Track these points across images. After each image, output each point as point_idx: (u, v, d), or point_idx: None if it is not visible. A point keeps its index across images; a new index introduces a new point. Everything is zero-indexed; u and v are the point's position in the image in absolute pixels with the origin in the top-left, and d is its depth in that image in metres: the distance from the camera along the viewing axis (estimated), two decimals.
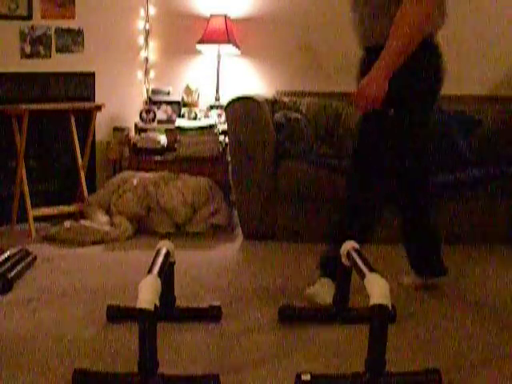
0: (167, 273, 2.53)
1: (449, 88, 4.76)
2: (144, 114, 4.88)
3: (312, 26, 5.00)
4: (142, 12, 5.00)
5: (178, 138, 4.61)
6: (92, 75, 4.79)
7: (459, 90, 4.73)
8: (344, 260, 2.59)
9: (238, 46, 4.94)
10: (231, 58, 5.06)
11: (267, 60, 5.08)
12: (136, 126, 4.91)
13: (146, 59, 5.06)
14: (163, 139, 4.74)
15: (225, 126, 4.49)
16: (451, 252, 3.91)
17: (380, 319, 2.15)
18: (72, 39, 4.68)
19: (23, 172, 4.29)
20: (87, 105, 4.66)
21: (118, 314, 2.78)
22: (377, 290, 2.18)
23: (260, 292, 3.18)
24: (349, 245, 2.58)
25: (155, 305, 2.13)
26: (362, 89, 2.66)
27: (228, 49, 4.94)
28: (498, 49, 4.86)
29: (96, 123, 4.65)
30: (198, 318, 2.80)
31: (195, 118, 4.77)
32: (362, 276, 2.31)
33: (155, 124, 4.89)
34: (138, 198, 4.29)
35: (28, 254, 3.58)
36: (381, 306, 2.14)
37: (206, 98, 5.01)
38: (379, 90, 2.62)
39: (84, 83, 4.75)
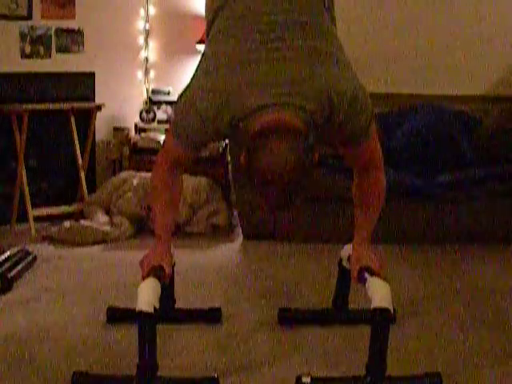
0: None
1: (449, 88, 4.85)
2: (144, 114, 4.88)
3: None
4: (142, 12, 5.00)
5: None
6: (92, 75, 4.78)
7: (459, 90, 4.73)
8: (344, 263, 2.58)
9: None
10: None
11: None
12: (136, 126, 4.91)
13: (146, 59, 5.05)
14: (163, 139, 4.73)
15: None
16: (451, 252, 3.91)
17: (382, 323, 2.14)
18: (72, 39, 4.67)
19: (23, 172, 4.28)
20: (87, 105, 4.65)
21: (118, 316, 2.78)
22: (379, 293, 2.17)
23: (260, 292, 3.18)
24: (349, 248, 2.57)
25: (154, 307, 2.13)
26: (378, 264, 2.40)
27: None
28: (498, 49, 4.84)
29: (96, 123, 4.64)
30: (197, 320, 2.79)
31: None
32: (363, 278, 2.30)
33: (155, 124, 4.88)
34: (138, 198, 4.28)
35: (28, 253, 3.57)
36: (383, 310, 2.13)
37: None
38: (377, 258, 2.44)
39: (84, 83, 4.74)
